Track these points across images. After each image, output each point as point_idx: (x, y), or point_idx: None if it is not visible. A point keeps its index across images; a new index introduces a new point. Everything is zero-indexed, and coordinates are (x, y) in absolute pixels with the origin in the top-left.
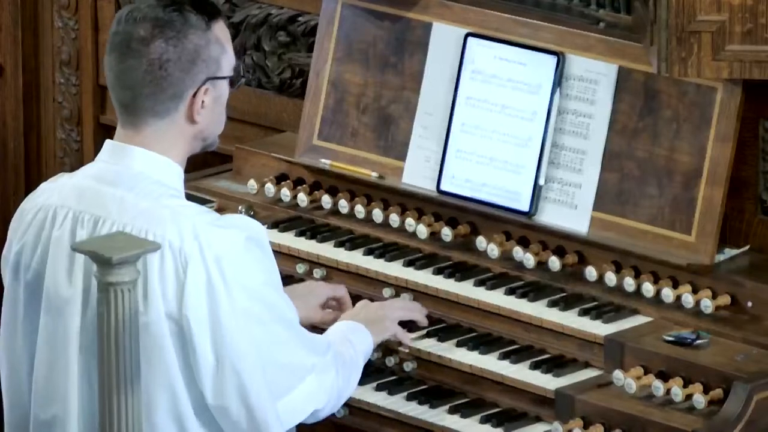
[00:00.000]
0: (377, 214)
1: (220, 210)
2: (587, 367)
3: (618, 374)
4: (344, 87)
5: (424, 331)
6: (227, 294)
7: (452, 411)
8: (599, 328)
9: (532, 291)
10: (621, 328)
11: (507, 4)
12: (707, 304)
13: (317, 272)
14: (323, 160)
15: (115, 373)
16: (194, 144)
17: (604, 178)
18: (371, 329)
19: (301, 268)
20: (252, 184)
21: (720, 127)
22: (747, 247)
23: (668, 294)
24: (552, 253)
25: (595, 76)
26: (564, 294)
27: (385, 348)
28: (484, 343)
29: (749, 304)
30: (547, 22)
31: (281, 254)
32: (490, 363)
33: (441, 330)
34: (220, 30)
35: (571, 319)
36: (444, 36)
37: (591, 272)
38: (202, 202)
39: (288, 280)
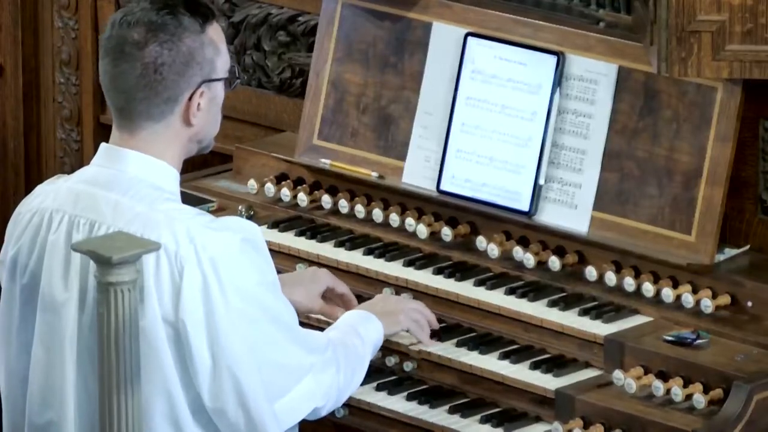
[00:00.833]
0: (377, 214)
1: (220, 210)
2: (587, 367)
3: (618, 374)
4: (344, 87)
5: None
6: (223, 296)
7: (452, 411)
8: (599, 328)
9: (532, 291)
10: (621, 328)
11: (507, 4)
12: (707, 304)
13: None
14: (323, 160)
15: (115, 374)
16: (190, 146)
17: (604, 178)
18: (384, 321)
19: (300, 268)
20: (252, 184)
21: (720, 127)
22: (747, 247)
23: (668, 294)
24: (552, 253)
25: (595, 76)
26: (564, 294)
27: (385, 348)
28: (484, 343)
29: (749, 304)
30: (547, 22)
31: (281, 254)
32: (490, 363)
33: (441, 330)
34: (215, 32)
35: (571, 319)
36: (444, 36)
37: (591, 272)
38: (201, 202)
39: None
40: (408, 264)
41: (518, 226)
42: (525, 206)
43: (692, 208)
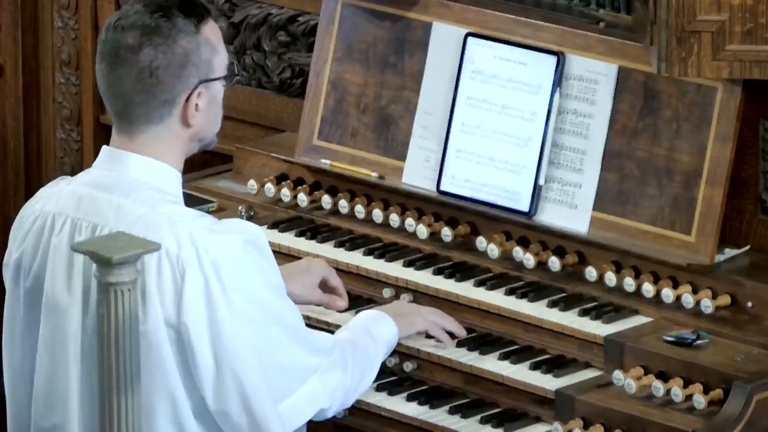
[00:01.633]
0: (377, 214)
1: (220, 210)
2: (587, 367)
3: (618, 374)
4: (344, 87)
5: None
6: (225, 299)
7: (452, 411)
8: (599, 328)
9: (532, 291)
10: (621, 328)
11: (507, 4)
12: (707, 304)
13: None
14: (323, 160)
15: (115, 374)
16: (191, 146)
17: (604, 178)
18: (399, 322)
19: None
20: (252, 184)
21: (720, 127)
22: (747, 247)
23: (668, 294)
24: (552, 253)
25: (595, 76)
26: (564, 294)
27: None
28: (484, 343)
29: (749, 304)
30: (547, 22)
31: (281, 254)
32: (490, 363)
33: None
34: (210, 31)
35: (571, 319)
36: (444, 36)
37: (591, 272)
38: (202, 202)
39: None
40: (408, 264)
41: (518, 226)
42: (525, 206)
43: (692, 208)
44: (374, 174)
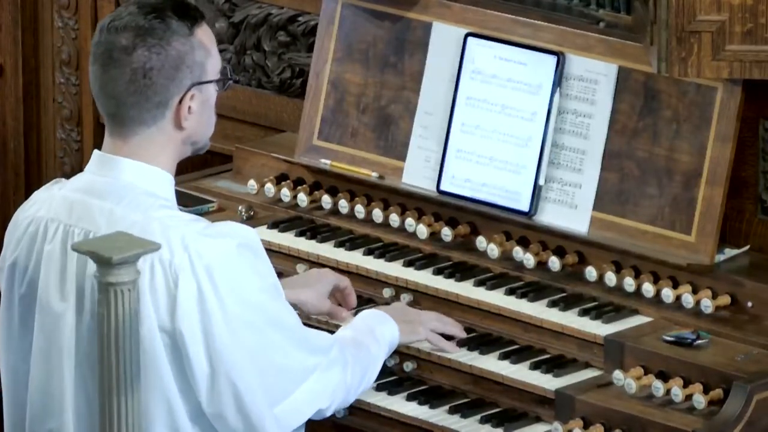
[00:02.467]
0: (377, 214)
1: (220, 210)
2: (587, 367)
3: (618, 374)
4: (344, 87)
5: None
6: (219, 304)
7: (452, 411)
8: (599, 328)
9: (532, 291)
10: (621, 328)
11: (507, 4)
12: (707, 304)
13: None
14: (323, 160)
15: (115, 374)
16: (183, 149)
17: (604, 178)
18: (402, 327)
19: (301, 268)
20: (252, 184)
21: (720, 127)
22: (747, 247)
23: (668, 294)
24: (552, 253)
25: (595, 76)
26: (564, 294)
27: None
28: (484, 343)
29: (749, 304)
30: (547, 22)
31: (281, 254)
32: (490, 363)
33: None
34: (204, 34)
35: (571, 319)
36: (444, 36)
37: (591, 272)
38: (202, 202)
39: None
40: (408, 264)
41: (518, 226)
42: (525, 206)
43: (692, 208)
44: (374, 174)
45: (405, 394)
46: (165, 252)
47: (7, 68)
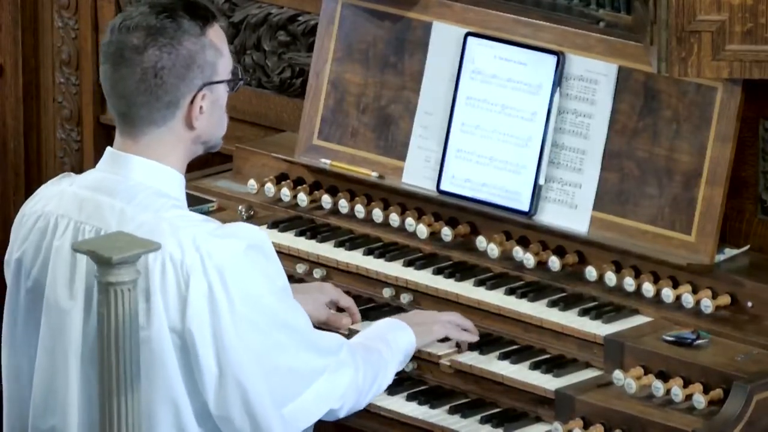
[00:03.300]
0: (377, 214)
1: (220, 210)
2: (587, 367)
3: (618, 374)
4: (344, 87)
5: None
6: (229, 304)
7: (452, 411)
8: (599, 328)
9: (532, 291)
10: (621, 328)
11: (507, 4)
12: (707, 304)
13: (317, 272)
14: (323, 160)
15: (115, 374)
16: (194, 148)
17: (604, 178)
18: (416, 330)
19: (301, 268)
20: (252, 184)
21: (720, 127)
22: (747, 247)
23: (668, 294)
24: (552, 253)
25: (595, 76)
26: (564, 294)
27: None
28: (484, 343)
29: (749, 304)
30: (547, 22)
31: (281, 254)
32: (490, 363)
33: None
34: (215, 34)
35: (571, 319)
36: (444, 36)
37: (591, 272)
38: (202, 202)
39: (287, 280)
40: (408, 264)
41: (518, 226)
42: (525, 206)
43: (692, 208)
44: (374, 174)
45: (405, 394)
46: (176, 251)
47: (7, 68)
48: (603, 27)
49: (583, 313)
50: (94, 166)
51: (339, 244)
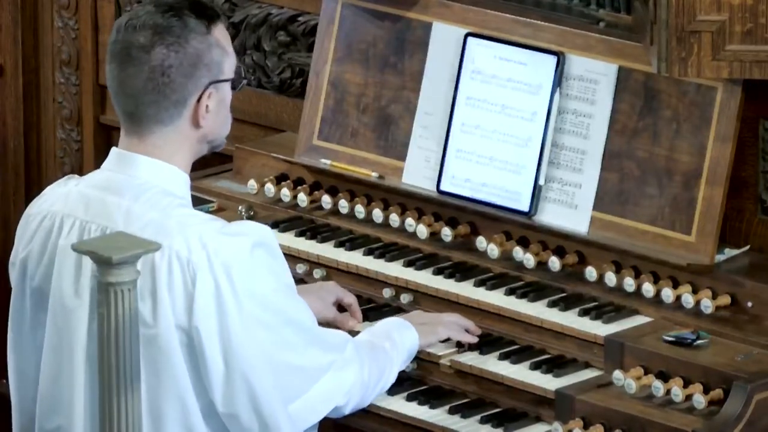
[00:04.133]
0: (377, 214)
1: (220, 210)
2: (587, 367)
3: (618, 374)
4: (344, 87)
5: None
6: (236, 302)
7: (452, 411)
8: (599, 328)
9: (532, 291)
10: (621, 328)
11: (507, 4)
12: (707, 304)
13: (317, 272)
14: (323, 160)
15: (115, 374)
16: (200, 147)
17: (604, 178)
18: (420, 330)
19: (301, 268)
20: (252, 184)
21: (720, 127)
22: (747, 247)
23: (668, 294)
24: (552, 253)
25: (595, 76)
26: (564, 294)
27: None
28: (484, 343)
29: (749, 304)
30: (547, 22)
31: None
32: (490, 363)
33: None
34: (221, 33)
35: (571, 319)
36: (444, 36)
37: (591, 272)
38: (202, 202)
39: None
40: (408, 264)
41: (518, 226)
42: (525, 206)
43: (692, 208)
44: (374, 174)
45: (405, 394)
46: (183, 250)
47: (7, 68)
48: (603, 27)
49: (583, 313)
50: (94, 166)
51: (339, 245)
